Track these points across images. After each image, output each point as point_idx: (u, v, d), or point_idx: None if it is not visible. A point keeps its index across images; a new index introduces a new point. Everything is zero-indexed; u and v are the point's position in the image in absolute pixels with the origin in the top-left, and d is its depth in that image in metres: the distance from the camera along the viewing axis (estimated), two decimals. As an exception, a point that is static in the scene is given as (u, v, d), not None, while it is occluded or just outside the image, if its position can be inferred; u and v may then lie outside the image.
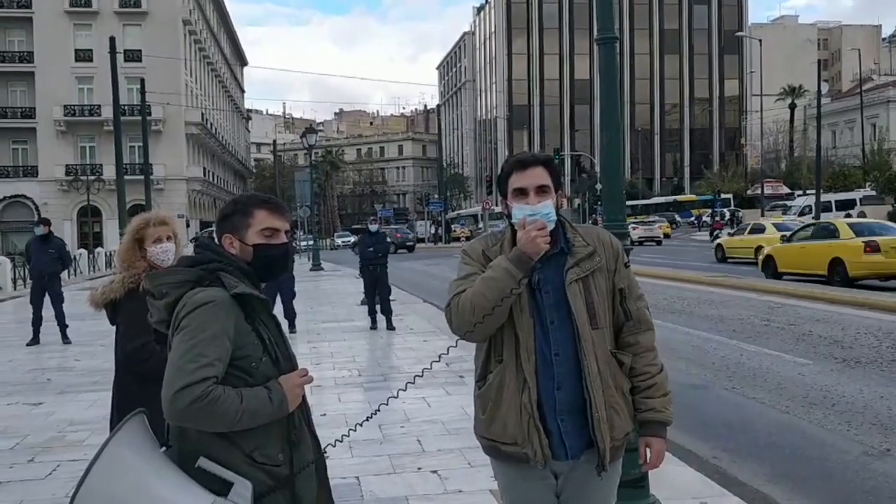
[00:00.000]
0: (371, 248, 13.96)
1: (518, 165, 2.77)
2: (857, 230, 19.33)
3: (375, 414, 3.03)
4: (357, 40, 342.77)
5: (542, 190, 2.70)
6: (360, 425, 2.91)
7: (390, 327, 13.48)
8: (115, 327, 4.14)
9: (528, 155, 2.84)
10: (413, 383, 3.07)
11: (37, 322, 12.93)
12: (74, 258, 34.65)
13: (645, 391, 2.78)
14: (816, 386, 8.49)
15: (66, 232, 51.39)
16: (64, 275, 14.74)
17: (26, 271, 26.57)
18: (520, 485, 2.79)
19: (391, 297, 14.19)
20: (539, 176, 2.72)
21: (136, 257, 4.00)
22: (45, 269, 13.09)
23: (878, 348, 10.57)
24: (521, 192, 2.71)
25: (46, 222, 13.72)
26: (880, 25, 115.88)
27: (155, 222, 4.06)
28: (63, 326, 12.96)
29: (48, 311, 13.00)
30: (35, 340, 12.83)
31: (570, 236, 2.76)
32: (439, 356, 2.96)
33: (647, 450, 2.81)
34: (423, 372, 3.01)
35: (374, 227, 14.58)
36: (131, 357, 3.87)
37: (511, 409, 2.69)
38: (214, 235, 2.62)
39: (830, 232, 19.87)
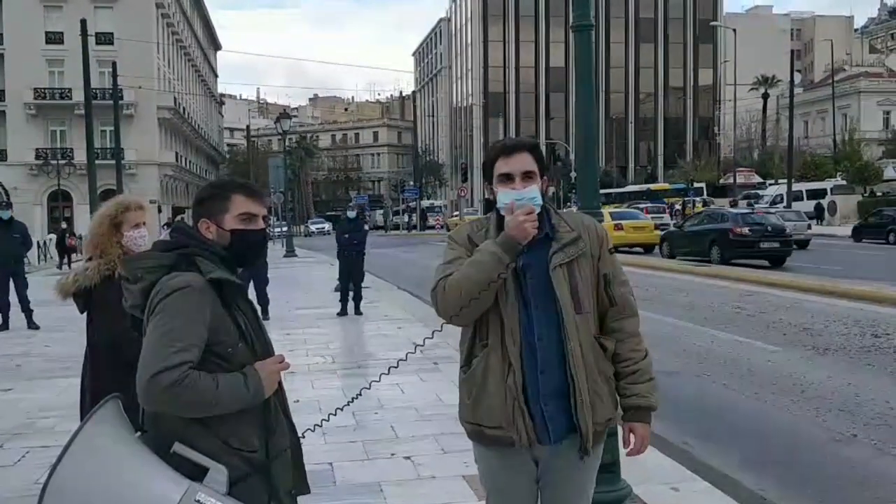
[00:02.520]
0: (347, 235, 13.98)
1: (504, 151, 2.77)
2: (614, 216, 28.86)
3: (355, 400, 3.04)
4: (335, 23, 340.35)
5: (527, 175, 2.72)
6: (341, 409, 2.92)
7: (358, 312, 13.59)
8: (86, 315, 4.05)
9: (514, 140, 2.85)
10: (396, 366, 3.08)
11: (4, 307, 12.79)
12: (45, 243, 34.29)
13: (629, 377, 2.79)
14: (786, 373, 8.60)
15: (37, 217, 50.78)
16: (33, 259, 14.62)
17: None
18: (500, 471, 2.82)
19: (364, 285, 14.27)
20: (525, 161, 2.73)
21: (111, 243, 3.90)
22: (11, 252, 12.97)
23: (847, 336, 10.72)
24: (507, 178, 2.73)
25: (10, 206, 13.71)
26: (853, 17, 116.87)
27: (134, 206, 3.99)
28: (28, 312, 12.82)
29: (12, 295, 12.88)
30: (5, 326, 12.70)
31: (555, 222, 2.77)
32: (424, 340, 2.99)
33: (632, 435, 2.81)
34: (406, 356, 3.02)
35: (352, 214, 14.60)
36: (112, 344, 3.73)
37: (497, 393, 2.71)
38: (189, 219, 2.60)
39: (599, 216, 30.89)
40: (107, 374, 3.76)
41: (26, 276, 13.30)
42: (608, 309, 2.80)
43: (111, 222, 3.91)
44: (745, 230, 22.39)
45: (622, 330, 2.80)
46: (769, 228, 22.65)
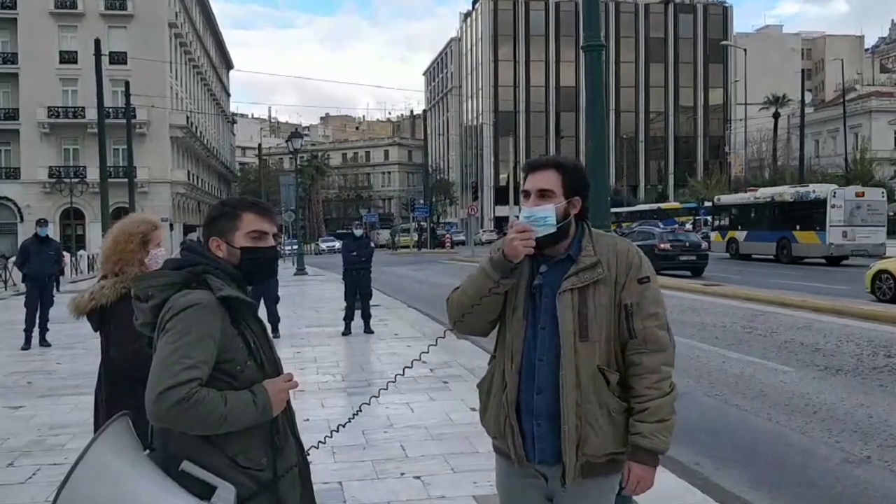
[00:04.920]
0: (355, 253, 13.95)
1: (529, 168, 2.79)
2: None
3: (355, 416, 3.04)
4: (346, 42, 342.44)
5: (543, 194, 2.70)
6: (343, 426, 2.92)
7: (368, 330, 13.49)
8: (101, 332, 4.00)
9: (540, 158, 2.84)
10: (395, 382, 3.08)
11: (31, 326, 12.77)
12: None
13: (638, 413, 2.65)
14: (798, 393, 8.54)
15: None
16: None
17: (9, 273, 26.41)
18: (510, 480, 2.83)
19: (373, 303, 14.25)
20: (544, 180, 2.72)
21: (134, 260, 3.88)
22: (45, 270, 13.08)
23: (859, 356, 10.65)
24: (526, 195, 2.75)
25: (47, 223, 13.95)
26: (863, 36, 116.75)
27: (159, 225, 4.00)
28: (45, 330, 12.87)
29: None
30: (28, 345, 12.66)
31: (584, 244, 2.73)
32: (420, 355, 3.00)
33: (629, 474, 2.68)
34: (404, 371, 3.02)
35: (358, 232, 14.58)
36: (128, 361, 3.65)
37: (494, 406, 2.77)
38: (200, 238, 2.61)
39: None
40: (121, 392, 3.73)
41: (53, 295, 13.36)
42: (628, 341, 2.68)
43: (142, 239, 3.89)
44: (667, 245, 26.45)
45: (640, 364, 2.66)
46: (687, 244, 26.99)
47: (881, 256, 25.28)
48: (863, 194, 31.86)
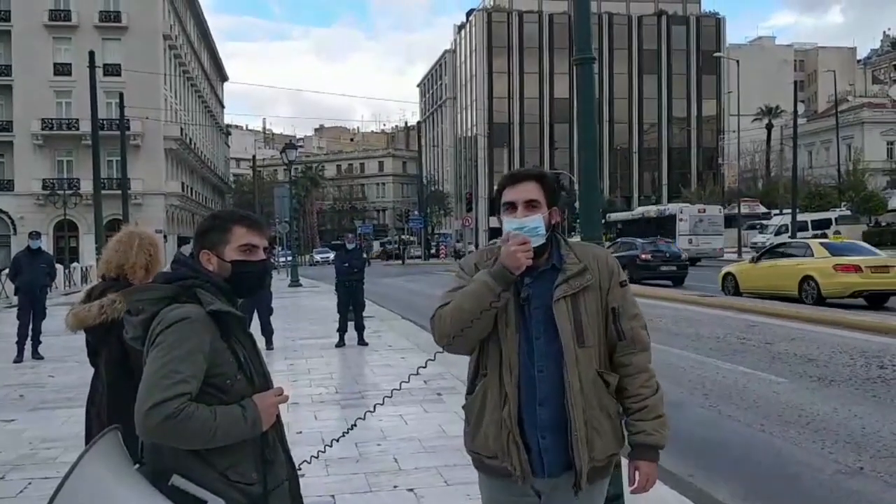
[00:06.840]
0: (347, 264, 14.01)
1: (510, 180, 2.78)
2: None
3: (351, 430, 3.03)
4: (343, 53, 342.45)
5: (530, 204, 2.70)
6: (337, 440, 2.91)
7: (362, 342, 13.48)
8: (102, 346, 3.91)
9: (521, 169, 2.85)
10: (390, 396, 3.08)
11: (23, 338, 12.72)
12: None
13: (637, 413, 2.74)
14: (791, 404, 8.54)
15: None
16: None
17: (1, 286, 26.35)
18: (502, 500, 2.79)
19: (366, 314, 14.27)
20: (529, 191, 2.72)
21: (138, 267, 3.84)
22: (37, 282, 13.04)
23: (853, 367, 10.66)
24: (511, 207, 2.73)
25: (39, 236, 13.94)
26: (855, 48, 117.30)
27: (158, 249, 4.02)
28: (37, 343, 12.82)
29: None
30: (20, 358, 12.60)
31: (564, 253, 2.75)
32: (417, 370, 3.00)
33: (636, 473, 2.75)
34: (400, 385, 3.02)
35: (351, 246, 14.65)
36: (131, 375, 3.61)
37: (492, 423, 2.71)
38: (192, 250, 2.60)
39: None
40: (122, 404, 3.66)
41: (46, 308, 13.31)
42: (617, 343, 2.75)
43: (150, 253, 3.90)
44: (649, 256, 27.50)
45: (631, 364, 2.75)
46: (668, 255, 28.20)
47: (720, 259, 34.52)
48: (704, 210, 42.26)
